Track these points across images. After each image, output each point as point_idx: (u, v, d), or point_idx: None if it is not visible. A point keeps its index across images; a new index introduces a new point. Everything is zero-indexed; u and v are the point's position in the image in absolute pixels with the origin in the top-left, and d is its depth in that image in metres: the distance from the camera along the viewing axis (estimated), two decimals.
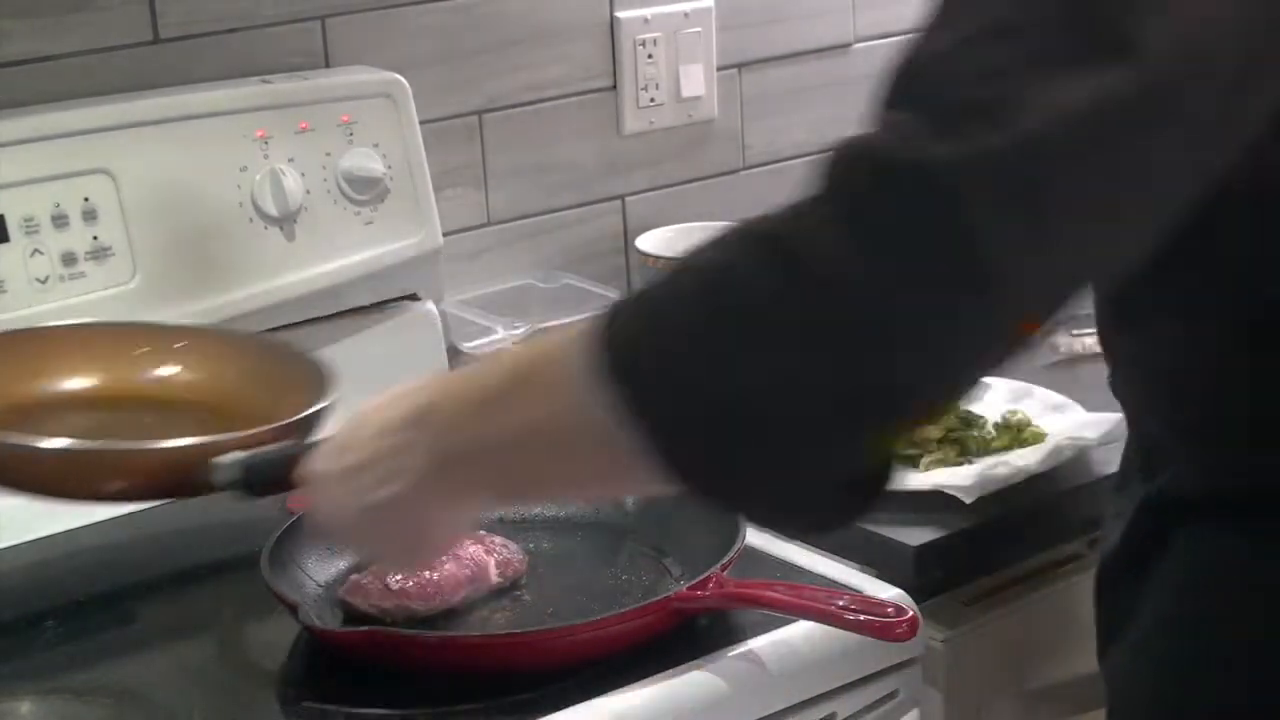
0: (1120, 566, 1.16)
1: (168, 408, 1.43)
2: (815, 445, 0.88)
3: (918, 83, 0.88)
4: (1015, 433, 1.52)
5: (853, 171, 0.87)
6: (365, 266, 1.71)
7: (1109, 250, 0.89)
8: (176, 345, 1.48)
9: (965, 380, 0.90)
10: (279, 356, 1.47)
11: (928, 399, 0.90)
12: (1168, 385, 1.09)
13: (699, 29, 2.01)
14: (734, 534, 1.33)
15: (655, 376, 0.89)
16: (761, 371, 0.86)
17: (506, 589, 1.37)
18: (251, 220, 1.65)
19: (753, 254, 0.88)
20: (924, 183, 0.83)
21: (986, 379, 0.91)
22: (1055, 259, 0.86)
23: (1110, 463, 1.49)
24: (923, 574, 1.40)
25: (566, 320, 1.85)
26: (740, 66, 2.07)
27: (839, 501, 0.95)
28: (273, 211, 1.65)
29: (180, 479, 1.24)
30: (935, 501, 1.44)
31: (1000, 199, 0.83)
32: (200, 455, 1.23)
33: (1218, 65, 0.86)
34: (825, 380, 0.86)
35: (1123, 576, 1.15)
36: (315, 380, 1.38)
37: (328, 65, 1.77)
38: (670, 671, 1.25)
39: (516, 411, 0.99)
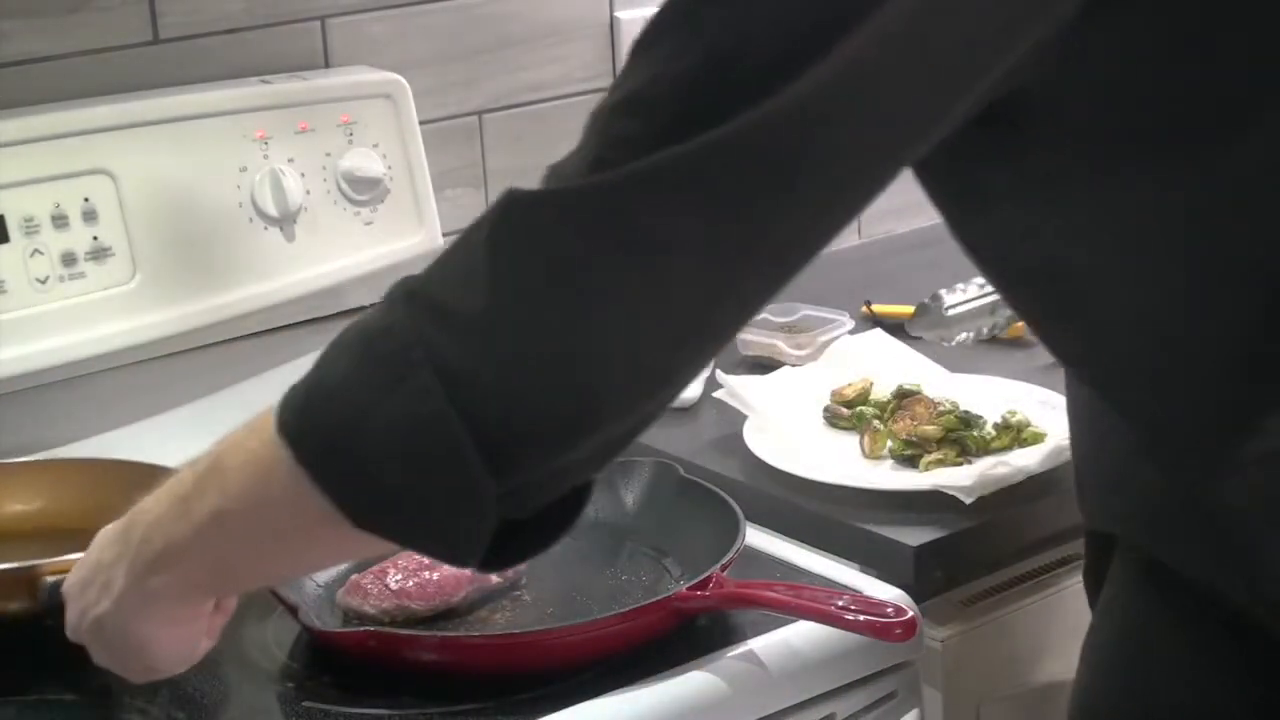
0: (1085, 580, 1.18)
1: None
2: (448, 484, 0.92)
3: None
4: (1015, 433, 1.52)
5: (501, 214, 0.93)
6: (365, 266, 1.71)
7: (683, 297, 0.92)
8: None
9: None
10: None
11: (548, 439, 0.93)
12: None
13: None
14: (734, 534, 1.33)
15: (312, 423, 0.95)
16: (396, 414, 0.91)
17: (506, 589, 1.37)
18: (251, 220, 1.65)
19: (401, 308, 0.93)
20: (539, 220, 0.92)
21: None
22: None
23: None
24: (922, 574, 1.41)
25: None
26: None
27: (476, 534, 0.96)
28: (273, 212, 1.65)
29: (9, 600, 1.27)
30: (935, 501, 1.44)
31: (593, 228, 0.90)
32: (29, 577, 1.26)
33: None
34: (455, 429, 0.91)
35: (1087, 585, 1.17)
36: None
37: (328, 65, 1.77)
38: (670, 671, 1.25)
39: (206, 502, 1.02)
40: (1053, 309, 1.06)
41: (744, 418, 1.58)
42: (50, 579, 1.25)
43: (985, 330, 1.81)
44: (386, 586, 1.32)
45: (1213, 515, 1.00)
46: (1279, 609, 1.00)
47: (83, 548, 1.37)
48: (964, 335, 1.79)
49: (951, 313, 1.81)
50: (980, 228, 1.05)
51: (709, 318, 0.93)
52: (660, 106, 0.89)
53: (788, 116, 0.86)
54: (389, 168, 1.71)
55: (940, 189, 1.05)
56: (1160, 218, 0.97)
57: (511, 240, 0.91)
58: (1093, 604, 1.16)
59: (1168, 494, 1.03)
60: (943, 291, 1.83)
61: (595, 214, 0.90)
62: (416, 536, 0.96)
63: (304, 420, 0.95)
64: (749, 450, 1.54)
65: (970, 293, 1.82)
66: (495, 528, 0.95)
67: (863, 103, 0.88)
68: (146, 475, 1.45)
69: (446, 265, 0.94)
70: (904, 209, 2.17)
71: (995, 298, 1.79)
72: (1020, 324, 1.76)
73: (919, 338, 1.79)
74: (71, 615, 1.15)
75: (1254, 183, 0.95)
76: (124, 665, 1.15)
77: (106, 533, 1.13)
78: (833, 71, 0.86)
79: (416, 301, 0.93)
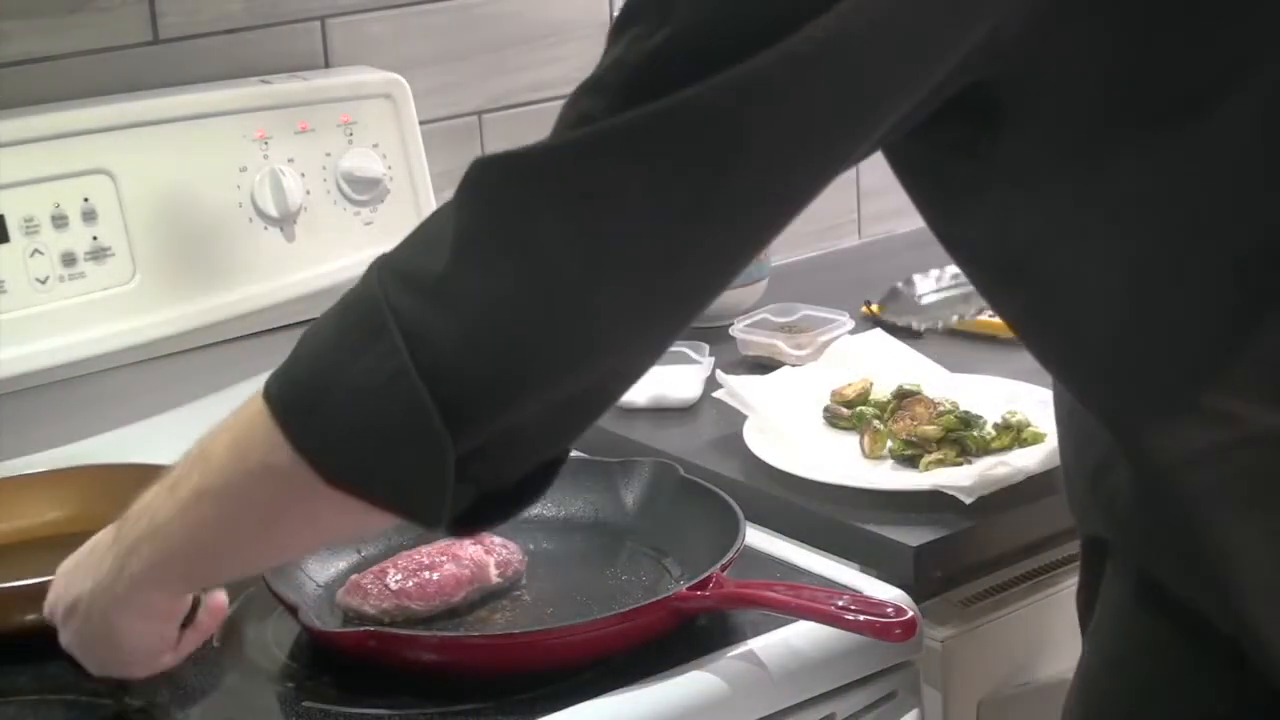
0: (1078, 598, 1.18)
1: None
2: (410, 440, 0.96)
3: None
4: (1015, 433, 1.52)
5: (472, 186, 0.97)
6: (365, 267, 1.70)
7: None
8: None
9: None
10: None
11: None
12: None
13: None
14: (734, 534, 1.33)
15: (291, 383, 1.00)
16: (365, 373, 0.96)
17: (506, 589, 1.37)
18: (251, 220, 1.65)
19: (374, 276, 0.99)
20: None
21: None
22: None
23: None
24: (922, 574, 1.41)
25: None
26: None
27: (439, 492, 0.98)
28: (272, 212, 1.65)
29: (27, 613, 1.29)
30: (935, 501, 1.44)
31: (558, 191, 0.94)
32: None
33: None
34: (415, 386, 0.95)
35: (1080, 602, 1.17)
36: None
37: (327, 65, 1.77)
38: (670, 671, 1.25)
39: (190, 482, 1.06)
40: (1028, 305, 1.07)
41: (744, 418, 1.58)
42: None
43: (955, 319, 1.81)
44: (386, 586, 1.32)
45: (1182, 516, 1.00)
46: (1257, 633, 0.98)
47: None
48: (935, 323, 1.80)
49: (925, 300, 1.82)
50: (957, 224, 1.06)
51: (653, 284, 0.95)
52: (619, 84, 0.93)
53: (733, 91, 0.90)
54: (389, 168, 1.71)
55: (917, 186, 1.07)
56: (1132, 202, 0.97)
57: (470, 202, 0.95)
58: (1084, 624, 1.16)
59: (1141, 499, 1.03)
60: (916, 277, 1.84)
61: (546, 175, 0.93)
62: (382, 492, 0.99)
63: (284, 383, 1.00)
64: (749, 450, 1.54)
65: (944, 281, 1.83)
66: (466, 494, 0.99)
67: (809, 86, 0.91)
68: None
69: (417, 233, 0.99)
70: (904, 209, 2.17)
71: (968, 288, 1.80)
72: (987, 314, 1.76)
73: (891, 323, 1.79)
74: (52, 594, 1.17)
75: (1227, 163, 0.96)
76: (88, 651, 1.17)
77: (112, 523, 1.15)
78: (782, 55, 0.89)
79: (387, 269, 0.98)
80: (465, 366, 0.95)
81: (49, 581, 1.29)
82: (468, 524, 1.03)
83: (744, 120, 0.91)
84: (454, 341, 0.95)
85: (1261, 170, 0.96)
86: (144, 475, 1.49)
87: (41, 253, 1.56)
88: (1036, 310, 1.06)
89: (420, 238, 0.99)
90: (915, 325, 1.79)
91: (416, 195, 1.73)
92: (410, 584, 1.32)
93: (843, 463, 1.52)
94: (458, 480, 0.97)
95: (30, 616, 1.29)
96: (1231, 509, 0.98)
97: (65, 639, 1.18)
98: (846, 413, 1.59)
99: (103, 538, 1.15)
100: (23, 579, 1.37)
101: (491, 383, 0.96)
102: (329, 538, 1.23)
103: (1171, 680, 1.05)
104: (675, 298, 0.97)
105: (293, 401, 0.99)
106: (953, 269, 1.83)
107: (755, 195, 0.94)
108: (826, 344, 1.74)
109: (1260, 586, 0.98)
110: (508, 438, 0.98)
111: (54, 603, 1.17)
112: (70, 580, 1.16)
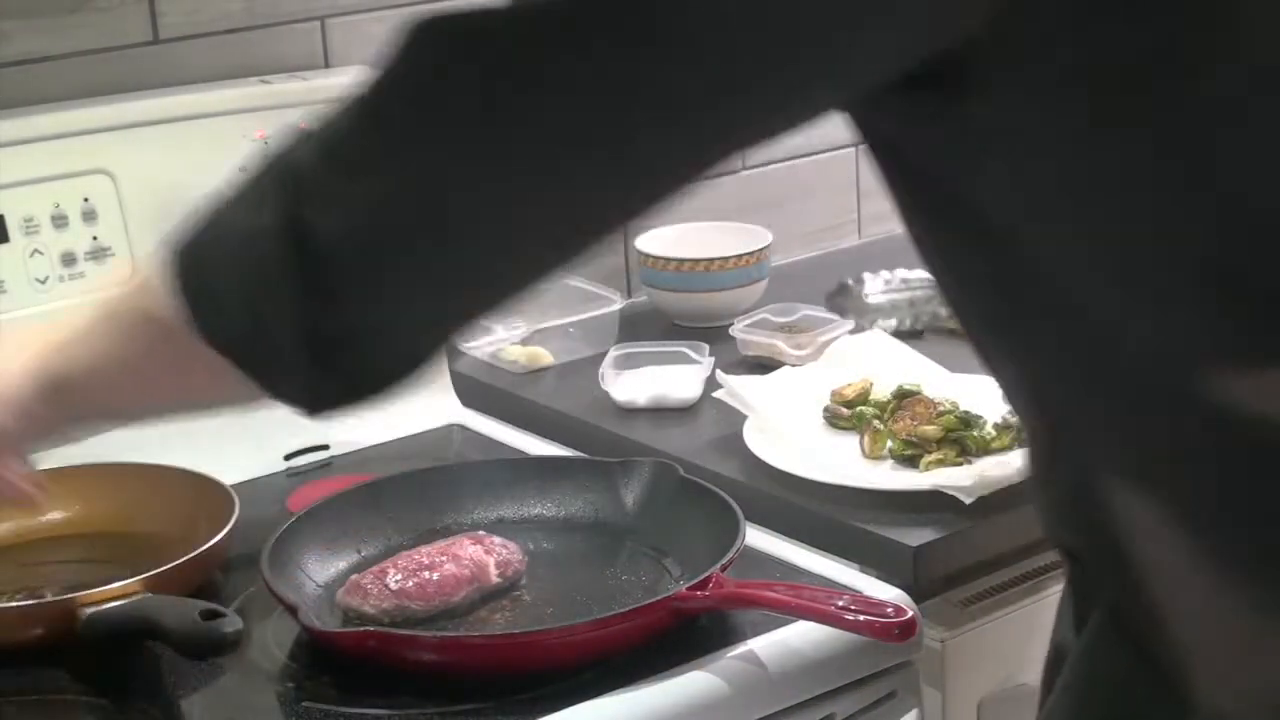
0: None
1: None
2: (271, 295, 0.95)
3: None
4: (1015, 433, 1.52)
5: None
6: None
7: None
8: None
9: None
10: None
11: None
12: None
13: None
14: (734, 534, 1.33)
15: (191, 237, 1.02)
16: (248, 227, 0.96)
17: (506, 589, 1.37)
18: None
19: (292, 141, 0.97)
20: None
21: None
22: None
23: None
24: (922, 574, 1.41)
25: (566, 320, 1.86)
26: None
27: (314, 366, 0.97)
28: None
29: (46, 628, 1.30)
30: (935, 501, 1.44)
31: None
32: (67, 608, 1.28)
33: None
34: (284, 242, 0.94)
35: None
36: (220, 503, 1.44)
37: (327, 66, 1.77)
38: (670, 671, 1.25)
39: (98, 339, 1.10)
40: (989, 309, 1.02)
41: (744, 418, 1.59)
42: (88, 610, 1.28)
43: (908, 323, 1.82)
44: (386, 586, 1.32)
45: (1113, 525, 0.96)
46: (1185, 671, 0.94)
47: (115, 552, 1.43)
48: (886, 323, 1.81)
49: (871, 299, 1.84)
50: (928, 220, 1.01)
51: (541, 188, 0.92)
52: None
53: None
54: None
55: (892, 176, 1.01)
56: (1116, 185, 0.92)
57: (386, 61, 0.92)
58: (1053, 672, 1.10)
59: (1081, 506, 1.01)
60: (866, 275, 1.85)
61: (469, 37, 0.90)
62: (238, 348, 0.98)
63: (186, 235, 1.02)
64: (749, 450, 1.54)
65: (893, 284, 1.84)
66: (331, 383, 0.97)
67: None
68: (178, 479, 1.47)
69: (339, 100, 0.96)
70: None
71: (915, 293, 1.83)
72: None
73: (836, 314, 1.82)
74: None
75: (1209, 133, 0.90)
76: None
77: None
78: None
79: (306, 134, 0.96)
80: (341, 227, 0.93)
81: (53, 602, 1.31)
82: (326, 408, 1.00)
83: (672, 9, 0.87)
84: (336, 199, 0.93)
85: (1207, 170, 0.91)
86: (145, 475, 1.50)
87: (41, 253, 1.56)
88: (996, 318, 1.01)
89: (340, 102, 0.95)
90: (863, 324, 1.80)
91: None
92: (410, 584, 1.32)
93: (843, 463, 1.52)
94: (322, 364, 0.95)
95: (36, 631, 1.29)
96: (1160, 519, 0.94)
97: None
98: (846, 413, 1.59)
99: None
100: (25, 587, 1.37)
101: (363, 258, 0.93)
102: (194, 396, 1.14)
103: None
104: (568, 212, 0.94)
105: (184, 251, 1.01)
106: (903, 273, 1.84)
107: (668, 113, 0.90)
108: (826, 344, 1.74)
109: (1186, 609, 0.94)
110: (374, 331, 0.96)
111: None
112: None
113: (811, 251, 2.17)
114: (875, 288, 1.86)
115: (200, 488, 1.47)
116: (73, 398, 1.12)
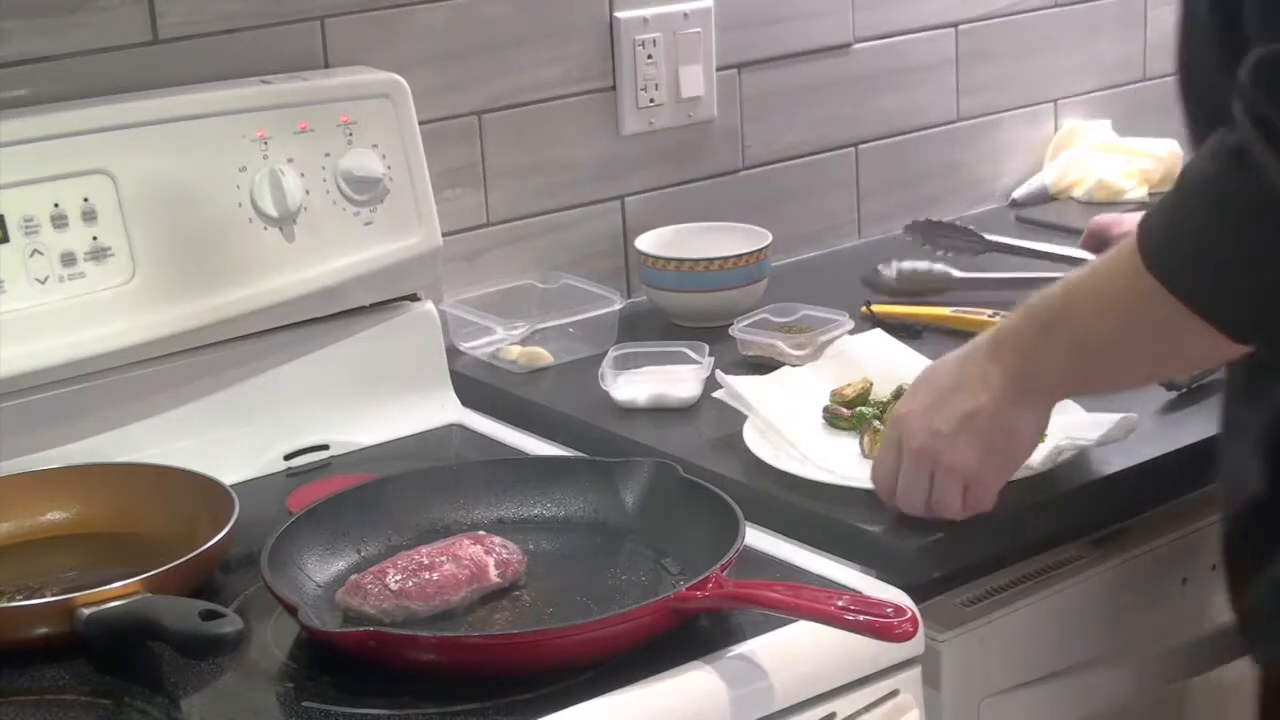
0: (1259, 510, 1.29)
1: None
2: None
3: None
4: None
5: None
6: (364, 267, 1.71)
7: None
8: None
9: None
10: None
11: None
12: None
13: (698, 29, 2.02)
14: (734, 534, 1.33)
15: (1185, 263, 1.18)
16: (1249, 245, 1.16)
17: (506, 589, 1.37)
18: (251, 220, 1.65)
19: (1225, 164, 1.16)
20: None
21: None
22: None
23: (1110, 462, 1.50)
24: (923, 574, 1.41)
25: (566, 320, 1.86)
26: (739, 67, 2.07)
27: None
28: (272, 212, 1.65)
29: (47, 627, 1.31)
30: None
31: None
32: (67, 608, 1.29)
33: None
34: None
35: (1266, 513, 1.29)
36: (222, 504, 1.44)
37: (327, 65, 1.77)
38: (670, 671, 1.25)
39: (1068, 330, 1.29)
40: None
41: (744, 418, 1.59)
42: (87, 610, 1.28)
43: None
44: (386, 586, 1.32)
45: None
46: None
47: (115, 552, 1.43)
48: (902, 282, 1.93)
49: (902, 273, 1.95)
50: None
51: None
52: None
53: None
54: (388, 168, 1.71)
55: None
56: None
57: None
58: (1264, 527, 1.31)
59: None
60: (904, 262, 1.95)
61: None
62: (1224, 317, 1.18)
63: (1170, 253, 1.19)
64: (749, 450, 1.54)
65: (920, 268, 1.94)
66: None
67: None
68: (178, 479, 1.47)
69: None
70: (904, 209, 2.18)
71: (939, 277, 1.93)
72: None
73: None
74: (924, 426, 1.35)
75: None
76: (986, 456, 1.35)
77: (950, 361, 1.38)
78: None
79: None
80: None
81: (53, 602, 1.31)
82: None
83: None
84: None
85: None
86: (145, 475, 1.50)
87: (41, 253, 1.56)
88: None
89: None
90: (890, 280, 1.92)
91: (416, 195, 1.73)
92: (410, 584, 1.32)
93: (843, 463, 1.52)
94: None
95: (36, 631, 1.30)
96: None
97: (953, 455, 1.34)
98: (846, 413, 1.59)
99: (967, 370, 1.35)
100: (25, 586, 1.37)
101: None
102: (1187, 361, 1.41)
103: None
104: None
105: (1150, 231, 1.19)
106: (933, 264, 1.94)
107: None
108: (826, 344, 1.74)
109: None
110: None
111: (933, 428, 1.35)
112: (946, 408, 1.34)
113: (811, 251, 2.17)
114: (907, 269, 1.95)
115: (200, 488, 1.47)
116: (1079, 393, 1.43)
